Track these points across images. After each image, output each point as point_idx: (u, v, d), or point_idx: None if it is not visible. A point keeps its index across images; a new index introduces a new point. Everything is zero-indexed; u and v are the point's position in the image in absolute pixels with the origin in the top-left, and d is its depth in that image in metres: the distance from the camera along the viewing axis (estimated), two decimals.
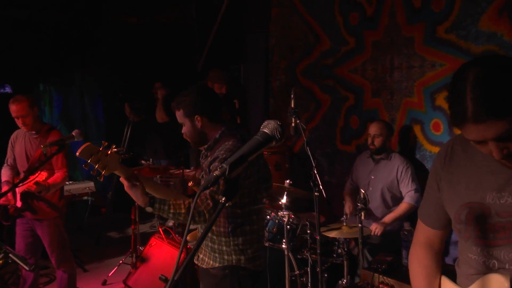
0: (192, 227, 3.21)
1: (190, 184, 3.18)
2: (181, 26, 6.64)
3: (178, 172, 4.44)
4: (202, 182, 2.32)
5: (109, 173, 2.28)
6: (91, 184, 5.07)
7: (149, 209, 2.32)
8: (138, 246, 4.59)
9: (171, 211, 2.31)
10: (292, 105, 3.31)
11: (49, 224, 3.64)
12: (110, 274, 4.56)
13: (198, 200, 2.27)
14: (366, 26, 4.44)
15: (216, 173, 1.31)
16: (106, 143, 2.27)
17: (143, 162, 4.69)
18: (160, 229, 4.37)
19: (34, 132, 3.60)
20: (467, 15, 3.56)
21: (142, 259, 4.26)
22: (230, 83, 5.10)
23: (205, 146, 2.58)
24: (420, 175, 3.84)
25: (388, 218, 3.76)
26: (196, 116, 2.51)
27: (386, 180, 3.85)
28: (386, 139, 3.88)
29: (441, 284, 1.72)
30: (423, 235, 1.77)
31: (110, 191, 5.41)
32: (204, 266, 2.59)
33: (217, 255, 2.53)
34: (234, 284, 2.53)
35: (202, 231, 2.70)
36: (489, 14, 3.39)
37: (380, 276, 2.91)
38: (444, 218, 1.68)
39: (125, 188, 2.33)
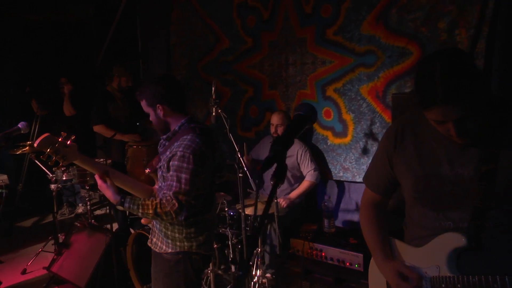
0: None
1: (146, 171, 3.41)
2: (80, 24, 6.71)
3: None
4: (160, 173, 2.58)
5: (68, 163, 2.38)
6: (5, 177, 4.97)
7: (119, 208, 2.44)
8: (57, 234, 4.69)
9: (140, 211, 2.40)
10: (213, 97, 3.71)
11: None
12: (29, 263, 4.58)
13: (164, 201, 2.38)
14: (263, 28, 4.99)
15: (269, 155, 1.36)
16: (65, 134, 2.34)
17: None
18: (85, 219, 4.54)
19: None
20: (351, 21, 4.26)
21: (65, 245, 4.36)
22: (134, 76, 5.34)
23: (164, 136, 2.65)
24: (315, 155, 4.52)
25: (293, 194, 4.34)
26: (158, 105, 2.56)
27: (288, 161, 4.46)
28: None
29: (396, 246, 1.93)
30: (370, 199, 2.04)
31: (20, 183, 5.35)
32: (157, 250, 2.68)
33: (170, 241, 2.60)
34: (187, 268, 2.63)
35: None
36: (369, 21, 4.13)
37: (310, 243, 3.40)
38: (389, 187, 1.95)
39: (98, 186, 2.46)
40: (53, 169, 2.38)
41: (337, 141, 4.55)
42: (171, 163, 2.44)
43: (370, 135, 4.26)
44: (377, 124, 4.21)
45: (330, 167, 4.61)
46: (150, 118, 2.66)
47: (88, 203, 4.81)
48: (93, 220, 4.71)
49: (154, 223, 2.74)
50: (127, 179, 2.73)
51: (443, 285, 1.67)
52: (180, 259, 2.61)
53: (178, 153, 2.41)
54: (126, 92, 5.07)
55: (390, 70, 4.06)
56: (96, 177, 2.45)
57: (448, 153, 1.68)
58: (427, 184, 1.74)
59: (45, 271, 4.40)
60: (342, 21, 4.34)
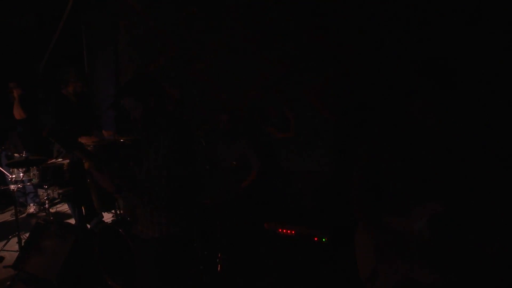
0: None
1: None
2: (23, 30, 6.80)
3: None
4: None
5: (70, 152, 2.58)
6: None
7: (116, 196, 2.64)
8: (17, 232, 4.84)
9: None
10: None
11: None
12: None
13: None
14: (209, 35, 5.46)
15: None
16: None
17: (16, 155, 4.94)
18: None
19: None
20: None
21: (29, 243, 4.48)
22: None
23: (151, 128, 2.81)
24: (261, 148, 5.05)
25: (244, 183, 4.81)
26: (151, 98, 2.75)
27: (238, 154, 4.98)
28: None
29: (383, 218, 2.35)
30: (362, 183, 2.44)
31: None
32: (143, 237, 2.86)
33: (156, 227, 2.80)
34: (172, 251, 2.86)
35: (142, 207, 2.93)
36: None
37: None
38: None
39: (94, 175, 2.63)
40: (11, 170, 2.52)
41: (281, 135, 5.12)
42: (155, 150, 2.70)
43: (311, 129, 4.86)
44: (317, 120, 4.82)
45: (275, 159, 5.18)
46: (135, 114, 2.78)
47: (47, 202, 4.97)
48: (51, 218, 4.91)
49: (141, 211, 2.90)
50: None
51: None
52: (166, 244, 2.82)
53: (165, 144, 2.67)
54: (80, 97, 5.29)
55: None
56: (90, 167, 2.63)
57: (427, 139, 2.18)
58: (413, 165, 2.19)
59: (8, 270, 4.53)
60: None
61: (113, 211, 5.31)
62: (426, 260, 2.15)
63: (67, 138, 2.53)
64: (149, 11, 5.93)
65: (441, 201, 2.12)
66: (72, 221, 5.45)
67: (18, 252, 4.64)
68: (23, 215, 6.35)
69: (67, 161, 5.00)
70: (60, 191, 5.03)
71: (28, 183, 5.58)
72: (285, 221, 3.90)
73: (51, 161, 4.96)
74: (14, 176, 4.89)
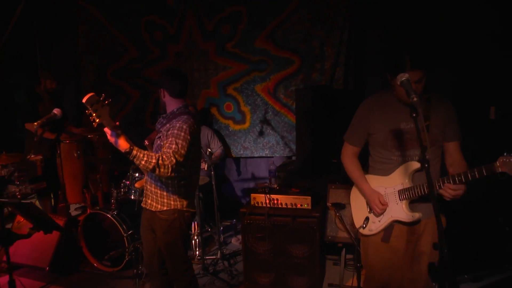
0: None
1: (145, 143, 4.16)
2: None
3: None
4: (158, 142, 3.10)
5: (101, 122, 2.58)
6: None
7: (127, 155, 2.73)
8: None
9: (145, 158, 2.74)
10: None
11: None
12: None
13: (164, 156, 2.83)
14: (169, 41, 6.16)
15: None
16: (104, 95, 2.59)
17: None
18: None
19: None
20: (246, 38, 5.78)
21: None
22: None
23: (164, 115, 3.17)
24: (220, 137, 5.89)
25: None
26: (162, 89, 3.15)
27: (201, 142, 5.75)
28: None
29: (369, 180, 2.88)
30: (351, 151, 2.95)
31: None
32: (152, 209, 3.17)
33: (165, 201, 3.12)
34: (181, 224, 3.17)
35: (149, 179, 3.23)
36: (261, 39, 5.71)
37: (269, 195, 4.11)
38: (364, 141, 2.88)
39: (108, 136, 2.69)
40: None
41: (237, 127, 6.01)
42: (170, 132, 2.96)
43: (264, 121, 5.83)
44: (270, 113, 5.81)
45: (232, 147, 6.07)
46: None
47: (19, 195, 4.97)
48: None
49: (149, 186, 3.22)
50: None
51: (406, 193, 2.68)
52: (176, 218, 3.14)
53: (177, 125, 2.95)
54: (52, 94, 5.58)
55: (278, 74, 5.71)
56: (106, 129, 2.67)
57: (403, 115, 2.64)
58: (393, 135, 2.67)
59: None
60: (239, 38, 5.83)
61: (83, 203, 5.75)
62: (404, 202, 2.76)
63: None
64: (110, 18, 6.39)
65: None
66: None
67: None
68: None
69: (40, 157, 5.14)
70: (32, 186, 5.14)
71: None
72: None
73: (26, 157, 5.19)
74: None
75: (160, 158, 2.80)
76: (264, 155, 5.91)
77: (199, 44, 6.04)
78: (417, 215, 2.71)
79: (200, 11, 5.93)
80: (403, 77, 2.28)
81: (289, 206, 4.05)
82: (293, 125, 5.61)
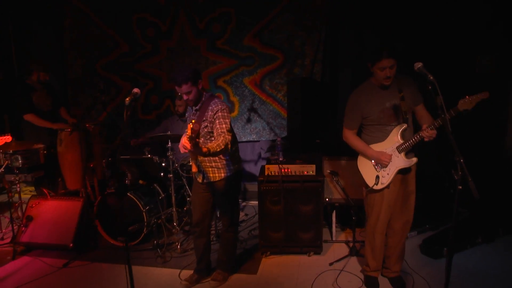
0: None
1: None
2: None
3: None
4: (206, 130, 3.62)
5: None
6: None
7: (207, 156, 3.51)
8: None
9: (218, 149, 3.39)
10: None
11: None
12: None
13: (222, 137, 3.46)
14: (161, 37, 6.75)
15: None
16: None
17: None
18: (44, 190, 5.30)
19: None
20: (235, 36, 6.55)
21: (29, 218, 5.00)
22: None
23: (196, 107, 3.69)
24: None
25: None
26: (199, 81, 3.58)
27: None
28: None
29: (372, 147, 3.70)
30: (351, 133, 3.77)
31: None
32: (214, 180, 3.80)
33: (222, 170, 3.80)
34: (238, 181, 4.00)
35: (205, 158, 3.78)
36: (248, 37, 6.52)
37: (281, 165, 4.82)
38: (359, 124, 3.73)
39: (190, 147, 3.15)
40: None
41: None
42: (215, 116, 3.56)
43: (252, 109, 6.64)
44: (257, 102, 6.63)
45: None
46: (189, 97, 3.60)
47: (18, 185, 5.32)
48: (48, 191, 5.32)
49: (208, 163, 3.80)
50: None
51: (402, 146, 3.57)
52: (233, 177, 3.87)
53: (220, 111, 3.56)
54: (45, 84, 5.82)
55: (264, 68, 6.54)
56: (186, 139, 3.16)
57: (387, 97, 3.59)
58: (383, 113, 3.60)
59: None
60: (228, 36, 6.58)
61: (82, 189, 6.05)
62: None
63: None
64: (99, 14, 6.83)
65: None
66: None
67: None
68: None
69: (42, 145, 5.45)
70: (32, 174, 5.42)
71: None
72: None
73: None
74: None
75: (222, 141, 3.44)
76: (251, 139, 6.69)
77: (191, 41, 6.68)
78: (414, 159, 3.66)
79: (191, 12, 6.60)
80: (418, 64, 3.07)
81: (298, 173, 4.82)
82: (278, 112, 6.51)
